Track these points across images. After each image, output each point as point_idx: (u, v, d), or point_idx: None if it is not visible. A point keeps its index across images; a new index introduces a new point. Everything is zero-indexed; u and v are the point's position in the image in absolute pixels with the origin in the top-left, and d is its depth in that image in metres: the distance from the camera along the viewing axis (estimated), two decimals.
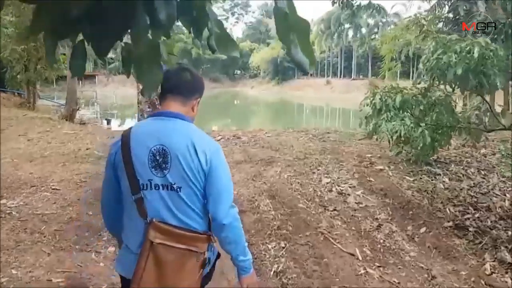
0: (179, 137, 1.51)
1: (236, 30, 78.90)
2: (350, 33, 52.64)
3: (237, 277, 1.70)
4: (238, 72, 65.40)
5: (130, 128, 1.58)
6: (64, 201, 4.36)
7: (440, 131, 4.39)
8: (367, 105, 4.20)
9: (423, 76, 4.07)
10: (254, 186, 4.85)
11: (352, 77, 50.28)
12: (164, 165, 1.49)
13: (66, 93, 14.22)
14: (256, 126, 24.48)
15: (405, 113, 4.18)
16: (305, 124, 26.39)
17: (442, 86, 4.19)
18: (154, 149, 1.49)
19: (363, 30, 49.96)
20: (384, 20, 46.95)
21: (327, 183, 4.97)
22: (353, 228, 3.96)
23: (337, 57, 52.16)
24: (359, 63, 51.03)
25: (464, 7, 6.51)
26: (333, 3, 5.25)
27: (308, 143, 7.07)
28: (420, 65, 3.99)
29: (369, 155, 6.06)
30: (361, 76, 50.37)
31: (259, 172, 5.34)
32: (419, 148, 4.51)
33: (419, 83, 4.49)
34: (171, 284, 1.47)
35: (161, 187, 1.50)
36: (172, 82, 1.58)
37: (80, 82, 26.19)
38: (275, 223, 3.96)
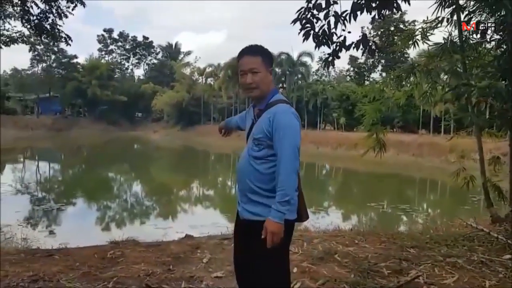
0: None
1: (138, 71, 73.85)
2: None
3: None
4: (140, 115, 60.72)
5: None
6: None
7: None
8: None
9: None
10: None
11: None
12: None
13: None
14: (156, 174, 21.66)
15: None
16: (211, 173, 23.05)
17: None
18: None
19: None
20: (291, 69, 45.84)
21: None
22: None
23: (244, 104, 49.70)
24: None
25: None
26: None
27: None
28: None
29: None
30: None
31: None
32: None
33: None
34: None
35: None
36: None
37: None
38: None
